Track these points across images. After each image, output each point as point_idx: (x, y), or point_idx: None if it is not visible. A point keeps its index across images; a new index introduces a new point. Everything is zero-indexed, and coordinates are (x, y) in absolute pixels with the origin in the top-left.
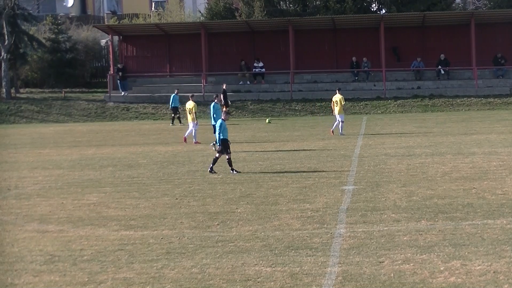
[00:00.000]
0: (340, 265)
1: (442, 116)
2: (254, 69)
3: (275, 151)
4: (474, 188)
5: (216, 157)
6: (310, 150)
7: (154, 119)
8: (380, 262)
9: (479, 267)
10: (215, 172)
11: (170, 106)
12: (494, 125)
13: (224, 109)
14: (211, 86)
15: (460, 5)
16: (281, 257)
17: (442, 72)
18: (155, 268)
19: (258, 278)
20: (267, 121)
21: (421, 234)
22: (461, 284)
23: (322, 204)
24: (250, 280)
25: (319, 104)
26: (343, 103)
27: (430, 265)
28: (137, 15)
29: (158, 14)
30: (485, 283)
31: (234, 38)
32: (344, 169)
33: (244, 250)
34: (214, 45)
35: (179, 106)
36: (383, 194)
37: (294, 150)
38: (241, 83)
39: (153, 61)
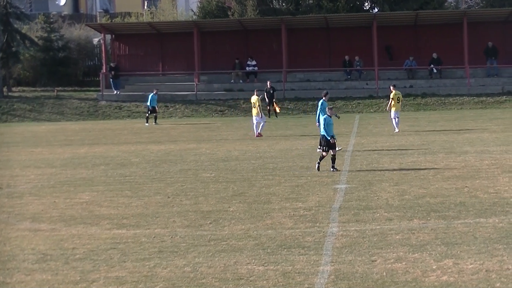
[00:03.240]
0: (332, 263)
1: (435, 115)
2: (247, 68)
3: (267, 150)
4: (466, 186)
5: (322, 155)
6: (302, 149)
7: None
8: (373, 261)
9: (471, 265)
10: (337, 170)
11: (148, 106)
12: (486, 124)
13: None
14: (203, 85)
15: (452, 4)
16: (273, 256)
17: (435, 71)
18: (147, 267)
19: (251, 277)
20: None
21: (414, 233)
22: (454, 283)
23: (315, 203)
24: (243, 279)
25: (311, 103)
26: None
27: (423, 264)
28: (129, 14)
29: (151, 13)
30: (477, 281)
31: (227, 37)
32: (336, 167)
33: (236, 249)
34: (207, 44)
35: (157, 106)
36: (375, 192)
37: (286, 149)
38: (232, 81)
39: (146, 60)
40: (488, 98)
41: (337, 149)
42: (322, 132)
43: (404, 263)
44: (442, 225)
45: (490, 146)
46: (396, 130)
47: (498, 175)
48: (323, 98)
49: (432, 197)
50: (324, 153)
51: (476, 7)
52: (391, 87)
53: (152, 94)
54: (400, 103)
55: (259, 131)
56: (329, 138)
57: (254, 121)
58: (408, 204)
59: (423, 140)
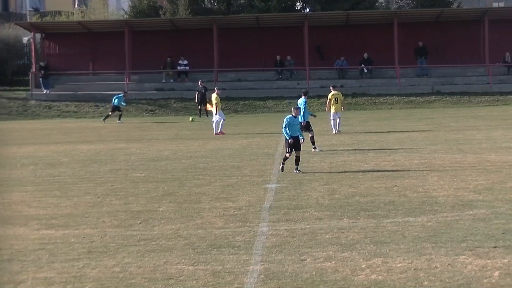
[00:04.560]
0: (262, 263)
1: (365, 114)
2: (178, 67)
3: (198, 149)
4: (396, 186)
5: (286, 156)
6: (233, 148)
7: (76, 117)
8: (302, 260)
9: (400, 264)
10: (301, 171)
11: (113, 105)
12: (416, 124)
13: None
14: (134, 84)
15: (383, 5)
16: (203, 256)
17: (365, 70)
18: (76, 267)
19: (180, 276)
20: (190, 119)
21: (343, 232)
22: (382, 281)
23: (245, 203)
24: (172, 278)
25: (242, 102)
26: None
27: (352, 263)
28: (60, 13)
29: (82, 12)
30: (406, 280)
31: (158, 36)
32: (267, 167)
33: (166, 248)
34: (138, 43)
35: (122, 107)
36: (305, 192)
37: (217, 149)
38: (163, 81)
39: (77, 59)
40: (418, 98)
41: (316, 150)
42: (283, 132)
43: (333, 262)
44: (372, 224)
45: (419, 145)
46: (334, 131)
47: (427, 175)
48: (304, 96)
49: (362, 196)
50: (287, 154)
51: (407, 8)
52: (331, 87)
53: (120, 95)
54: (340, 103)
55: (220, 129)
56: (288, 138)
57: (214, 120)
58: (338, 203)
59: (354, 139)
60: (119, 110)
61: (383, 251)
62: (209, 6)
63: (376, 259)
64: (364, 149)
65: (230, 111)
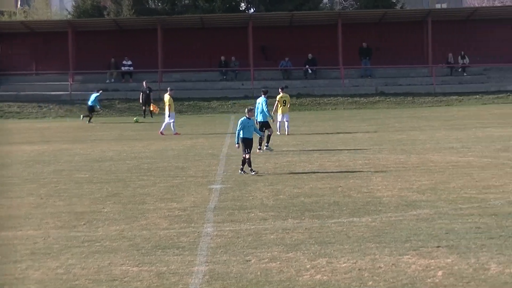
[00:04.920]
0: (207, 264)
1: (310, 115)
2: (122, 68)
3: (143, 150)
4: (340, 186)
5: (244, 157)
6: (178, 149)
7: (19, 118)
8: (247, 261)
9: (345, 264)
10: (245, 173)
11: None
12: (360, 124)
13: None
14: (78, 84)
15: (327, 5)
16: (148, 257)
17: (310, 71)
18: (19, 269)
19: (125, 278)
20: (134, 120)
21: (288, 232)
22: (327, 282)
23: (190, 203)
24: (117, 280)
25: (187, 103)
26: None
27: (297, 263)
28: (2, 13)
29: (24, 12)
30: (350, 280)
31: (102, 37)
32: (212, 168)
33: (110, 250)
34: (82, 43)
35: (97, 109)
36: (250, 192)
37: (162, 149)
38: (107, 81)
39: (19, 59)
40: (362, 99)
41: (261, 151)
42: (236, 134)
43: (278, 262)
44: (316, 225)
45: (363, 146)
46: (278, 132)
47: (371, 175)
48: (264, 95)
49: (306, 196)
50: (246, 156)
51: (351, 9)
52: (280, 89)
53: (96, 94)
54: (288, 105)
55: (163, 130)
56: (237, 142)
57: (166, 120)
58: (282, 203)
59: (298, 140)
60: (94, 110)
61: (327, 251)
62: (153, 6)
63: (321, 259)
64: (308, 150)
65: (175, 111)
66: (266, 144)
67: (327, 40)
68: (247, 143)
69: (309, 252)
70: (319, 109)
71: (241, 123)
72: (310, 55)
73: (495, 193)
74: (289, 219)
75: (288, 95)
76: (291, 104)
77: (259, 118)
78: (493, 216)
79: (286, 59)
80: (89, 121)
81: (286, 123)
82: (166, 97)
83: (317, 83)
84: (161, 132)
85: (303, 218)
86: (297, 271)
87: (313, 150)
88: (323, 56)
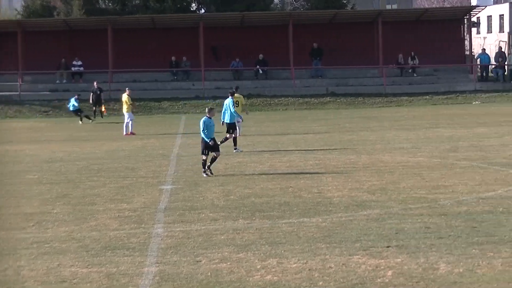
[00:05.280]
0: (157, 265)
1: (261, 115)
2: (72, 68)
3: (93, 151)
4: (291, 187)
5: (203, 159)
6: (128, 149)
7: None
8: (198, 261)
9: (295, 265)
10: (211, 174)
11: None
12: (311, 125)
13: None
14: (27, 85)
15: (278, 6)
16: (97, 258)
17: (261, 72)
18: None
19: (74, 279)
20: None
21: (238, 233)
22: (277, 282)
23: (140, 204)
24: (66, 281)
25: (137, 103)
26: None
27: (247, 264)
28: None
29: None
30: (301, 280)
31: (52, 37)
32: (162, 168)
33: (59, 251)
34: (32, 43)
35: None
36: (201, 193)
37: (112, 150)
38: (57, 82)
39: None
40: (313, 99)
41: (237, 150)
42: (201, 134)
43: (229, 263)
44: (267, 225)
45: (314, 146)
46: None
47: (322, 175)
48: (231, 96)
49: (257, 197)
50: (204, 157)
51: (302, 9)
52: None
53: (73, 98)
54: (241, 106)
55: (131, 130)
56: (208, 141)
57: (126, 120)
58: (233, 204)
59: (249, 140)
60: (80, 111)
61: (278, 252)
62: (104, 6)
63: (271, 259)
64: (259, 150)
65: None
66: (234, 147)
67: (278, 40)
68: (207, 144)
69: (260, 252)
70: (270, 110)
71: (204, 123)
72: (261, 56)
73: (444, 193)
74: (240, 220)
75: (241, 96)
76: (243, 104)
77: (227, 119)
78: (442, 216)
79: (237, 59)
80: (88, 118)
81: (237, 123)
82: (124, 96)
83: (268, 83)
84: (131, 133)
85: (253, 218)
86: (247, 272)
87: (264, 151)
88: (274, 56)
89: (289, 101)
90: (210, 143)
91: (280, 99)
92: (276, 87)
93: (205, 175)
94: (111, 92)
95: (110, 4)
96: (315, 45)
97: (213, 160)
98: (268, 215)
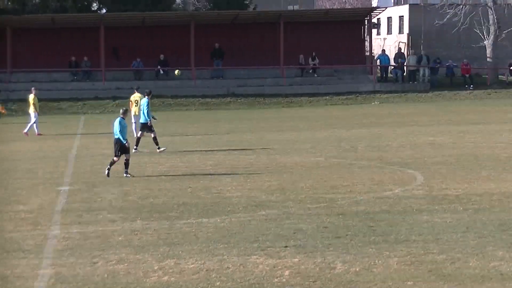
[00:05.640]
0: (53, 267)
1: (161, 116)
2: None
3: None
4: (190, 187)
5: (113, 160)
6: (26, 150)
7: None
8: (94, 263)
9: (193, 265)
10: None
11: None
12: (211, 125)
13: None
14: None
15: (180, 6)
16: None
17: (162, 72)
18: None
19: None
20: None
21: (136, 234)
22: (175, 283)
23: (37, 205)
24: None
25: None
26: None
27: (145, 265)
28: None
29: None
30: (198, 281)
31: None
32: (60, 169)
33: None
34: None
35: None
36: (99, 194)
37: (9, 151)
38: None
39: None
40: (214, 100)
41: (161, 149)
42: (117, 135)
43: (126, 264)
44: (165, 226)
45: (214, 147)
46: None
47: (221, 176)
48: (147, 96)
49: (155, 197)
50: (115, 158)
51: (204, 10)
52: (135, 89)
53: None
54: (139, 106)
55: (27, 130)
56: (124, 143)
57: (32, 120)
58: (131, 205)
59: (148, 140)
60: None
61: (176, 253)
62: (2, 6)
63: (169, 260)
64: (159, 151)
65: (24, 113)
66: (157, 147)
67: (180, 41)
68: (122, 145)
69: (158, 253)
70: (170, 110)
71: (119, 124)
72: (162, 56)
73: (342, 193)
74: (138, 221)
75: (142, 96)
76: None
77: (142, 119)
78: (340, 215)
79: (138, 59)
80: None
81: (134, 124)
82: (31, 96)
83: (168, 84)
84: (26, 134)
85: (152, 219)
86: (144, 273)
87: (164, 151)
88: (175, 57)
89: (190, 101)
90: (126, 144)
91: (180, 100)
92: (176, 88)
93: (107, 172)
94: (9, 93)
95: (9, 3)
96: (216, 45)
97: (126, 164)
98: (166, 216)
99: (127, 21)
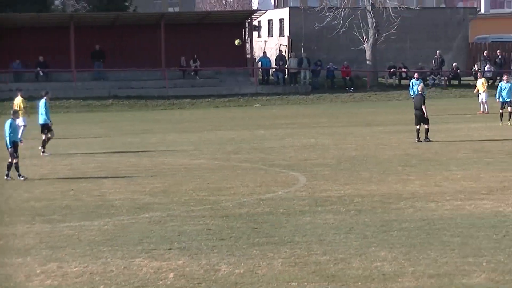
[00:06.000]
0: None
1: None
2: None
3: None
4: (72, 190)
5: (10, 162)
6: None
7: None
8: None
9: (76, 268)
10: (12, 178)
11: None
12: (93, 127)
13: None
14: None
15: (59, 7)
16: None
17: (41, 73)
18: None
19: None
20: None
21: (18, 237)
22: (57, 287)
23: None
24: None
25: None
26: None
27: (27, 269)
28: None
29: None
30: (82, 284)
31: None
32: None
33: None
34: None
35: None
36: None
37: None
38: None
39: None
40: (95, 102)
41: (46, 154)
42: (7, 137)
43: (7, 268)
44: (47, 229)
45: (95, 149)
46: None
47: (103, 179)
48: (45, 97)
49: (37, 201)
50: (15, 160)
51: (83, 11)
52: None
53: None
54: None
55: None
56: (10, 147)
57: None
58: (12, 208)
59: (27, 144)
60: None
61: (58, 256)
62: None
63: (52, 264)
64: (38, 154)
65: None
66: (42, 150)
67: (60, 42)
68: (16, 147)
69: (40, 257)
70: (51, 112)
71: (10, 126)
72: (41, 57)
73: (226, 195)
74: (19, 224)
75: (22, 98)
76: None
77: (41, 120)
78: (224, 217)
79: (17, 61)
80: None
81: (22, 127)
82: (19, 99)
83: (49, 85)
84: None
85: (33, 222)
86: (26, 277)
87: (46, 154)
88: (55, 58)
89: (71, 103)
90: (20, 144)
91: (61, 102)
92: (57, 90)
93: (9, 179)
94: None
95: None
96: (97, 47)
97: (17, 167)
98: (48, 219)
99: (5, 22)
